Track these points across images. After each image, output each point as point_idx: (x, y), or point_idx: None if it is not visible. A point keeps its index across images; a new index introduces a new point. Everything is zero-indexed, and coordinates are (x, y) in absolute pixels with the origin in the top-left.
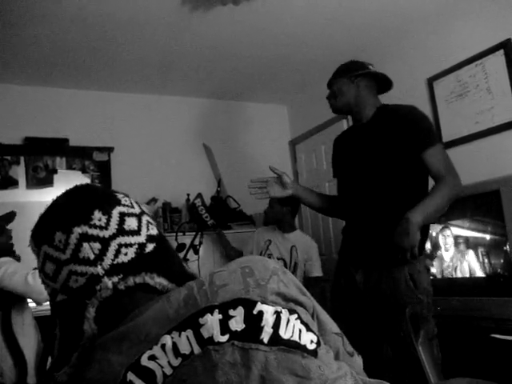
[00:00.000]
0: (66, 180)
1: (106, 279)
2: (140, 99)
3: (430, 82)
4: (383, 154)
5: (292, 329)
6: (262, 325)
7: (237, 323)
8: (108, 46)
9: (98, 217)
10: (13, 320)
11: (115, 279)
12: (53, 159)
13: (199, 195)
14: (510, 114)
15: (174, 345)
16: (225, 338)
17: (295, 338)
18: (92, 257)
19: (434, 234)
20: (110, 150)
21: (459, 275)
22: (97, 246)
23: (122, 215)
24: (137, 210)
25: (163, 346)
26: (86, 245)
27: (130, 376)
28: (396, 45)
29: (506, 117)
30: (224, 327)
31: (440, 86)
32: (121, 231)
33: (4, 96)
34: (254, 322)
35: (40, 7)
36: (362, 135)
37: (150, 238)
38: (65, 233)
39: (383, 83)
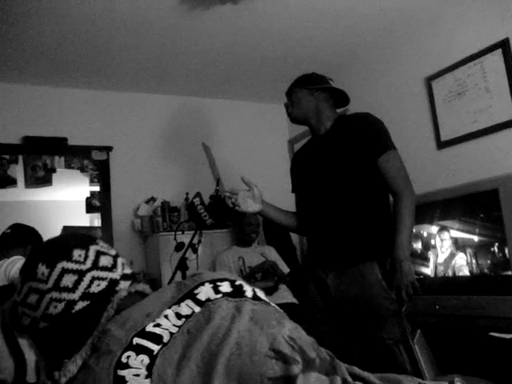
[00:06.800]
0: (65, 179)
1: (122, 282)
2: (139, 98)
3: (429, 81)
4: (343, 162)
5: (265, 297)
6: (245, 289)
7: (225, 288)
8: (107, 46)
9: (100, 243)
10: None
11: (128, 283)
12: (51, 158)
13: (198, 194)
14: (508, 112)
15: (177, 313)
16: (219, 296)
17: (269, 301)
18: (110, 265)
19: (425, 235)
20: (108, 149)
21: (457, 274)
22: (109, 259)
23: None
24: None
25: (166, 316)
26: (102, 257)
27: (137, 340)
28: (394, 44)
29: (504, 116)
30: (216, 290)
31: (438, 85)
32: (118, 254)
33: (2, 95)
34: (238, 288)
35: (38, 7)
36: (321, 145)
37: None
38: (83, 249)
39: (341, 99)
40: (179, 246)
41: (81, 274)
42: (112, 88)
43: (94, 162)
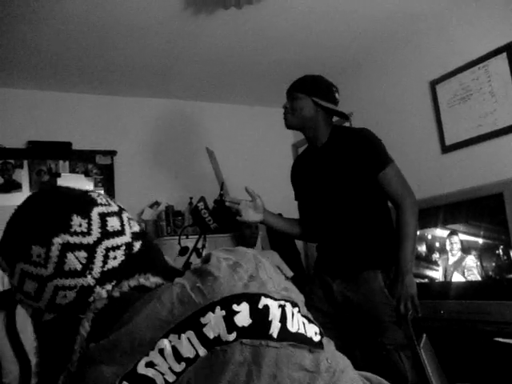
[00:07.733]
0: (70, 183)
1: (98, 289)
2: (143, 103)
3: (433, 85)
4: (344, 175)
5: (297, 322)
6: (270, 319)
7: (243, 319)
8: (111, 51)
9: (77, 222)
10: (19, 321)
11: (108, 287)
12: (56, 163)
13: (202, 198)
14: None
15: (174, 349)
16: (232, 337)
17: (302, 331)
18: (79, 267)
19: (429, 237)
20: (112, 153)
21: (463, 279)
22: (82, 254)
23: (103, 216)
24: (115, 208)
25: (161, 351)
26: (70, 255)
27: None
28: (399, 48)
29: (509, 120)
30: (230, 324)
31: (443, 89)
32: (105, 234)
33: (7, 100)
34: (261, 316)
35: (42, 12)
36: (321, 158)
37: (135, 236)
38: (44, 246)
39: (342, 115)
40: (183, 251)
41: (41, 282)
42: (116, 93)
43: (99, 167)
